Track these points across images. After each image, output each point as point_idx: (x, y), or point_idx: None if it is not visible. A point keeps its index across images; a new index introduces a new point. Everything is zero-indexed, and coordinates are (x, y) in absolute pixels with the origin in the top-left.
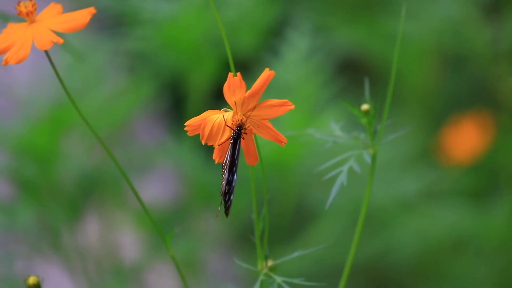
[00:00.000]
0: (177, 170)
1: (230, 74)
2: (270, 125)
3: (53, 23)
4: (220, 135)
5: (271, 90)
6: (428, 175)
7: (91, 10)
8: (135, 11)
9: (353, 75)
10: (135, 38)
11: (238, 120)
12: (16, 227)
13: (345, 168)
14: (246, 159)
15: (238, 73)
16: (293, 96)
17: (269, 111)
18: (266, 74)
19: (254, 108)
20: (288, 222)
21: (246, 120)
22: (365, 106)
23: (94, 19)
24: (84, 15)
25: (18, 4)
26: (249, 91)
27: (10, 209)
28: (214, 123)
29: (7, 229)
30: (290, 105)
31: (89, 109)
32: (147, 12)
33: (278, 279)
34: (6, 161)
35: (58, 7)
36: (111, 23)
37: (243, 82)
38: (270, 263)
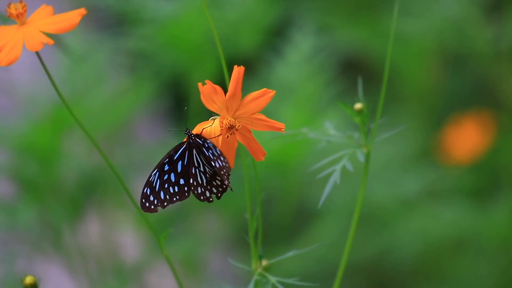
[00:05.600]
0: None
1: (200, 84)
2: (264, 117)
3: (43, 25)
4: (215, 141)
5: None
6: (429, 174)
7: (82, 11)
8: (136, 10)
9: (355, 74)
10: (137, 37)
11: (228, 123)
12: (17, 226)
13: (338, 167)
14: (253, 157)
15: (207, 80)
16: (295, 96)
17: (254, 104)
18: (236, 72)
19: (239, 107)
20: (290, 221)
21: (235, 121)
22: (358, 105)
23: (95, 18)
24: (74, 16)
25: (9, 6)
26: (228, 94)
27: (11, 208)
28: (207, 132)
29: (8, 228)
30: (270, 92)
31: (91, 108)
32: (148, 11)
33: (272, 279)
34: (8, 160)
35: (49, 9)
36: (112, 22)
37: (216, 87)
38: (264, 262)
